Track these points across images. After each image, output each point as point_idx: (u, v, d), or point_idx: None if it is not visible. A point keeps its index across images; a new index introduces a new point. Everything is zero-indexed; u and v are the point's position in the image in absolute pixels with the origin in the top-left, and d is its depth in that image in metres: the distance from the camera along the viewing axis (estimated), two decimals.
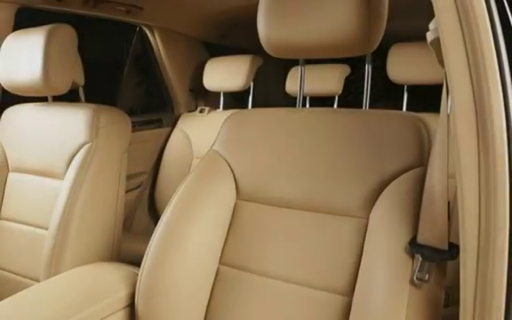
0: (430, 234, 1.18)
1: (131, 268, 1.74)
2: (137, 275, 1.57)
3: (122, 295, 1.59)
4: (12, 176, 2.28)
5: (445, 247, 1.16)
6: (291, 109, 1.63)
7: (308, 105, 3.84)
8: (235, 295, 1.50)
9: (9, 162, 2.30)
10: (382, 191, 1.36)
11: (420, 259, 1.18)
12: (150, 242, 1.55)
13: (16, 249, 2.16)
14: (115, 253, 2.17)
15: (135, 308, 1.54)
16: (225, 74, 3.50)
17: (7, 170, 2.30)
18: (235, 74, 3.45)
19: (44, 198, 2.13)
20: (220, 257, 1.55)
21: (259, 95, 3.77)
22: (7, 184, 2.28)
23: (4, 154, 2.31)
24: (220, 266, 1.55)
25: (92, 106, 2.17)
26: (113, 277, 1.67)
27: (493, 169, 0.93)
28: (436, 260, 1.18)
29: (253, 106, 3.68)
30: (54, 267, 1.94)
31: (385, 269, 1.23)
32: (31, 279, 2.08)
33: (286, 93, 3.68)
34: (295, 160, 1.52)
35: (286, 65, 3.87)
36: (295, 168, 1.51)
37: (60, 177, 2.10)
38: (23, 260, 2.12)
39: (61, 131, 2.16)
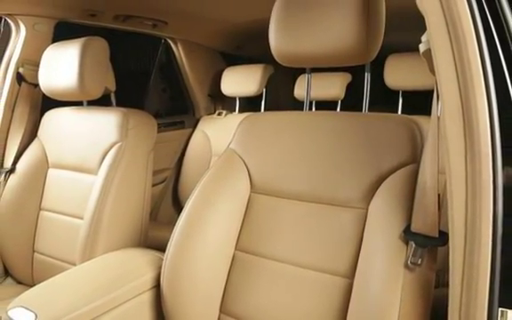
0: (422, 223, 1.19)
1: (156, 253, 1.75)
2: (162, 259, 1.58)
3: (148, 277, 1.60)
4: (51, 171, 2.30)
5: (436, 235, 1.17)
6: (298, 112, 1.63)
7: (314, 108, 3.83)
8: (249, 277, 1.51)
9: (49, 159, 2.31)
10: (380, 185, 1.36)
11: (414, 245, 1.19)
12: (174, 230, 1.56)
13: (55, 236, 2.19)
14: (142, 240, 2.18)
15: (160, 288, 1.55)
16: (240, 81, 3.50)
17: (47, 166, 2.31)
18: (249, 81, 3.46)
19: (79, 191, 2.14)
20: (236, 243, 1.56)
21: (270, 100, 3.76)
22: (47, 179, 2.30)
23: (45, 152, 2.33)
24: (236, 251, 1.56)
25: (122, 109, 2.18)
26: (141, 261, 1.69)
27: (479, 165, 0.93)
28: (427, 246, 1.18)
29: (265, 109, 3.68)
30: (88, 252, 1.96)
31: (382, 255, 1.24)
32: (68, 263, 2.10)
33: (295, 98, 3.68)
34: (302, 157, 1.53)
35: (294, 73, 3.87)
36: (302, 164, 1.52)
37: (94, 172, 2.12)
38: (61, 246, 2.14)
39: (95, 131, 2.18)
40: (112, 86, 2.43)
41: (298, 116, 1.61)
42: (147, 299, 1.60)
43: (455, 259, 0.97)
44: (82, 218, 2.05)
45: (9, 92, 2.49)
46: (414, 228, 1.20)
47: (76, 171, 2.20)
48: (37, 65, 2.35)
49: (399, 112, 2.89)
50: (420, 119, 1.45)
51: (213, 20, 3.17)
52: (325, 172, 1.47)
